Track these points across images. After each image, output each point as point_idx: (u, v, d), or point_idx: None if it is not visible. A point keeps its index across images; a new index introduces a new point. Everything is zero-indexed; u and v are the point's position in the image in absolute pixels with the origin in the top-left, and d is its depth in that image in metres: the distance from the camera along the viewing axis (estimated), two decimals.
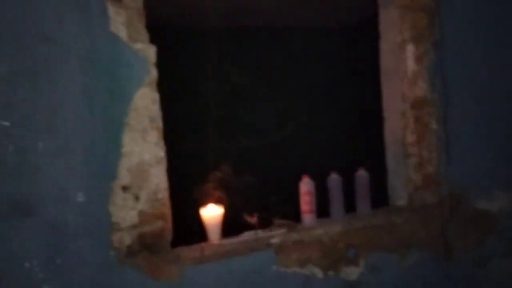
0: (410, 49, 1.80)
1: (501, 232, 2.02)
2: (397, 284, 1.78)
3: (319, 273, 1.63)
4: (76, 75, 1.28)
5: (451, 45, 1.85)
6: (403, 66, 1.81)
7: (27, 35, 1.23)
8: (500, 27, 1.99)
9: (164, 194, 1.41)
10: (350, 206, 1.84)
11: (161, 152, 1.40)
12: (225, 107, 3.86)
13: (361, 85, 3.90)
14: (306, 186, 1.69)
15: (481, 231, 1.98)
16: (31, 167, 1.24)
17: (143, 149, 1.37)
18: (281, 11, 3.42)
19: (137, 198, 1.36)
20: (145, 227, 1.38)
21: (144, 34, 1.36)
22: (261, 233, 1.59)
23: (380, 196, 1.97)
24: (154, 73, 1.37)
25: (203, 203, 1.58)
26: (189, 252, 1.49)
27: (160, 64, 1.40)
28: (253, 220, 1.59)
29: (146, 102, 1.37)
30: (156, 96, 1.39)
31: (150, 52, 1.37)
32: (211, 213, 1.56)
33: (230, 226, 1.61)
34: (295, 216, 1.72)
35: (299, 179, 1.71)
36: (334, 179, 1.77)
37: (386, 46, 1.91)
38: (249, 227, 1.60)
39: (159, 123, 1.40)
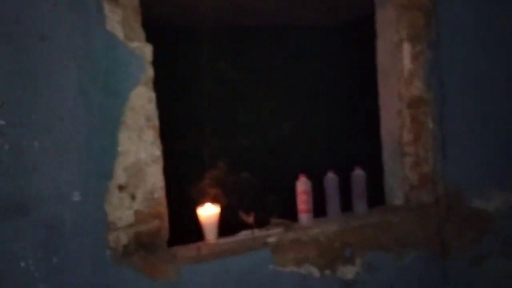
0: (407, 48, 1.81)
1: (498, 231, 2.02)
2: (393, 283, 1.78)
3: (315, 272, 1.63)
4: (72, 74, 1.28)
5: (447, 45, 1.86)
6: (399, 65, 1.81)
7: (23, 33, 1.22)
8: (497, 26, 1.99)
9: (160, 193, 1.40)
10: (346, 205, 1.84)
11: (157, 151, 1.40)
12: (221, 106, 3.85)
13: (358, 84, 3.90)
14: (302, 185, 1.69)
15: (478, 231, 1.99)
16: (27, 166, 1.23)
17: (140, 148, 1.37)
18: (279, 10, 3.42)
19: (133, 197, 1.36)
20: (142, 227, 1.38)
21: (141, 33, 1.36)
22: (257, 232, 1.59)
23: (376, 195, 1.98)
24: (150, 72, 1.37)
25: (200, 202, 1.58)
26: (186, 251, 1.49)
27: (157, 63, 1.40)
28: (249, 219, 1.59)
29: (142, 101, 1.37)
30: (152, 95, 1.38)
31: (146, 51, 1.37)
32: (208, 212, 1.56)
33: (227, 225, 1.61)
34: (292, 215, 1.72)
35: (295, 178, 1.71)
36: (331, 178, 1.77)
37: (382, 45, 1.91)
38: (246, 226, 1.60)
39: (156, 122, 1.40)
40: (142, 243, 1.37)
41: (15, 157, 1.22)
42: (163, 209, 1.41)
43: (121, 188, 1.34)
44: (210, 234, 1.56)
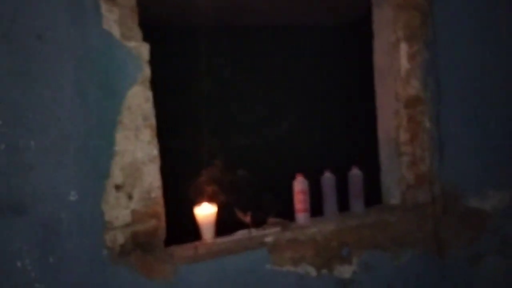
0: (404, 48, 1.81)
1: (494, 230, 2.03)
2: (390, 282, 1.79)
3: (312, 271, 1.63)
4: (69, 73, 1.28)
5: (444, 44, 1.87)
6: (396, 65, 1.82)
7: (19, 33, 1.22)
8: (493, 26, 2.00)
9: (157, 192, 1.40)
10: (343, 205, 1.84)
11: (154, 151, 1.40)
12: (219, 105, 3.86)
13: (356, 84, 3.91)
14: (300, 185, 1.69)
15: (475, 230, 2.00)
16: (24, 166, 1.23)
17: (136, 148, 1.37)
18: (276, 10, 3.43)
19: (130, 196, 1.36)
20: (138, 226, 1.38)
21: (137, 32, 1.36)
22: (254, 232, 1.59)
23: (373, 194, 1.98)
24: (147, 71, 1.37)
25: (197, 201, 1.58)
26: (183, 250, 1.49)
27: (154, 62, 1.40)
28: (247, 218, 1.59)
29: (139, 100, 1.37)
30: (149, 94, 1.38)
31: (143, 50, 1.37)
32: (205, 211, 1.57)
33: (224, 224, 1.61)
34: (289, 214, 1.72)
35: (293, 177, 1.71)
36: (328, 177, 1.77)
37: (379, 45, 1.92)
38: (243, 225, 1.60)
39: (153, 122, 1.40)
40: (139, 242, 1.37)
41: (11, 156, 1.22)
42: (160, 208, 1.42)
43: (118, 187, 1.34)
44: (207, 233, 1.56)
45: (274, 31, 3.98)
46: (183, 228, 1.55)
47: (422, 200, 1.87)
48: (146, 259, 1.38)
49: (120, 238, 1.34)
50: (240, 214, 1.58)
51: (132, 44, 1.34)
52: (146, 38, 1.38)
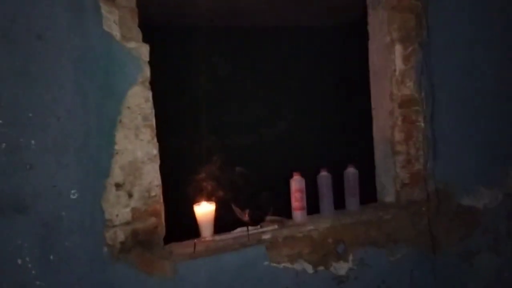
0: (398, 49, 1.84)
1: (487, 227, 2.07)
2: (385, 278, 1.82)
3: (309, 268, 1.66)
4: (69, 73, 1.29)
5: (438, 46, 1.90)
6: (391, 66, 1.84)
7: (20, 33, 1.23)
8: (486, 28, 2.04)
9: (157, 191, 1.42)
10: (339, 203, 1.87)
11: (154, 150, 1.41)
12: (218, 105, 3.87)
13: (351, 84, 3.94)
14: (297, 183, 1.71)
15: (467, 227, 2.03)
16: (24, 165, 1.24)
17: (136, 147, 1.38)
18: (274, 11, 3.44)
19: (130, 195, 1.38)
20: (138, 224, 1.39)
21: (137, 33, 1.37)
22: (252, 229, 1.61)
23: (369, 192, 2.01)
24: (147, 71, 1.39)
25: (196, 198, 1.60)
26: (182, 248, 1.51)
27: (154, 62, 1.41)
28: (244, 216, 1.61)
29: (139, 100, 1.38)
30: (149, 94, 1.40)
31: (143, 50, 1.38)
32: (204, 209, 1.58)
33: (222, 222, 1.63)
34: (286, 212, 1.74)
35: (290, 176, 1.74)
36: (324, 176, 1.80)
37: (374, 46, 1.94)
38: (241, 223, 1.62)
39: (152, 121, 1.41)
40: (139, 240, 1.39)
41: (12, 155, 1.23)
42: (160, 206, 1.43)
43: (118, 186, 1.36)
44: (206, 231, 1.58)
45: (272, 32, 4.01)
46: (182, 225, 1.56)
47: (416, 198, 1.90)
48: (146, 257, 1.39)
49: (120, 235, 1.36)
50: (238, 212, 1.60)
51: (132, 44, 1.36)
52: (145, 38, 1.39)
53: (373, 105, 1.99)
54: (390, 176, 1.91)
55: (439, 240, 1.93)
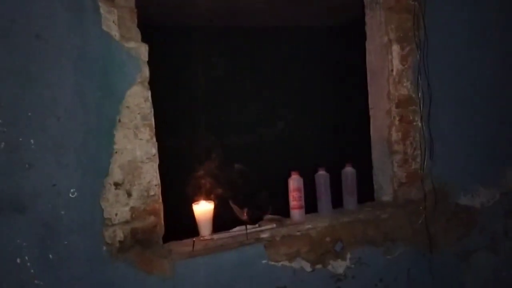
0: (396, 49, 1.85)
1: (484, 226, 2.09)
2: (382, 277, 1.83)
3: (307, 266, 1.67)
4: (68, 73, 1.29)
5: (435, 46, 1.91)
6: (388, 66, 1.86)
7: (19, 32, 1.24)
8: (482, 29, 2.06)
9: (156, 190, 1.43)
10: (337, 202, 1.88)
11: (153, 149, 1.42)
12: (217, 105, 3.88)
13: (349, 84, 3.96)
14: (295, 182, 1.72)
15: (464, 226, 2.05)
16: (24, 164, 1.25)
17: (135, 146, 1.39)
18: (273, 11, 3.45)
19: (129, 194, 1.38)
20: (137, 223, 1.40)
21: (136, 33, 1.38)
22: (251, 228, 1.62)
23: (366, 191, 2.02)
24: (146, 71, 1.39)
25: (194, 196, 1.61)
26: (181, 246, 1.52)
27: (153, 61, 1.42)
28: (243, 215, 1.62)
29: (138, 100, 1.39)
30: (148, 94, 1.41)
31: (142, 50, 1.38)
32: (202, 208, 1.59)
33: (221, 221, 1.64)
34: (284, 211, 1.75)
35: (288, 175, 1.75)
36: (322, 175, 1.81)
37: (372, 47, 1.95)
38: (239, 222, 1.63)
39: (151, 121, 1.42)
40: (138, 239, 1.39)
41: (11, 154, 1.23)
42: (159, 206, 1.44)
43: (117, 185, 1.36)
44: (205, 230, 1.59)
45: (271, 32, 4.02)
46: (181, 224, 1.57)
47: (414, 197, 1.91)
48: (145, 255, 1.40)
49: (120, 234, 1.36)
50: (236, 209, 1.61)
51: (131, 44, 1.36)
52: (145, 38, 1.39)
53: (370, 105, 2.00)
54: (387, 175, 1.92)
55: (436, 239, 1.94)
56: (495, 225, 2.12)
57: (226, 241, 1.55)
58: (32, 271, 1.27)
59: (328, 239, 1.71)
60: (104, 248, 1.35)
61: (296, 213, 1.73)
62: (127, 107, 1.37)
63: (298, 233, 1.66)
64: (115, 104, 1.35)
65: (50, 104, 1.28)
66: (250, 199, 1.70)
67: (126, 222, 1.38)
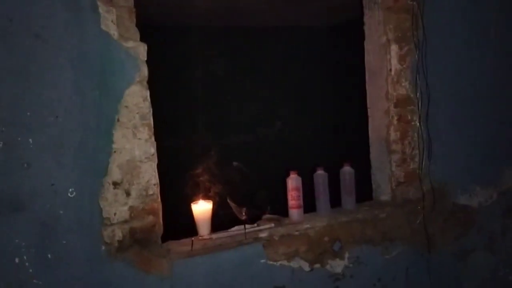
0: (394, 49, 1.85)
1: (481, 226, 2.10)
2: (380, 276, 1.83)
3: (305, 266, 1.67)
4: (67, 72, 1.30)
5: (433, 46, 1.91)
6: (387, 66, 1.86)
7: (17, 32, 1.24)
8: (481, 29, 2.06)
9: (154, 190, 1.43)
10: (335, 201, 1.88)
11: (151, 149, 1.42)
12: (215, 104, 3.88)
13: (348, 84, 3.96)
14: (293, 182, 1.72)
15: (462, 225, 2.05)
16: (22, 163, 1.25)
17: (134, 146, 1.39)
18: (273, 11, 3.45)
19: (128, 194, 1.38)
20: (136, 222, 1.40)
21: (135, 32, 1.38)
22: (249, 228, 1.62)
23: (364, 191, 2.03)
24: (144, 71, 1.39)
25: (193, 196, 1.61)
26: (179, 246, 1.52)
27: (151, 61, 1.42)
28: (242, 215, 1.62)
29: (136, 99, 1.39)
30: (146, 93, 1.41)
31: (141, 50, 1.38)
32: (201, 207, 1.60)
33: (219, 220, 1.64)
34: (282, 211, 1.76)
35: (287, 175, 1.75)
36: (320, 175, 1.81)
37: (371, 47, 1.96)
38: (238, 221, 1.63)
39: (150, 120, 1.42)
40: (136, 238, 1.40)
41: (10, 154, 1.23)
42: (157, 205, 1.44)
43: (116, 184, 1.37)
44: (203, 229, 1.59)
45: (271, 32, 4.02)
46: (180, 224, 1.57)
47: (412, 197, 1.92)
48: (143, 255, 1.40)
49: (118, 234, 1.37)
50: (234, 207, 1.61)
51: (130, 44, 1.36)
52: (143, 37, 1.40)
53: (369, 105, 2.00)
54: (385, 175, 1.93)
55: (434, 238, 1.95)
56: (493, 224, 2.13)
57: (224, 241, 1.55)
58: (30, 270, 1.27)
59: (326, 238, 1.72)
60: (103, 247, 1.35)
61: (295, 213, 1.73)
62: (126, 106, 1.37)
63: (297, 233, 1.66)
64: (114, 103, 1.36)
65: (48, 104, 1.28)
66: (249, 199, 1.70)
67: (125, 221, 1.38)
